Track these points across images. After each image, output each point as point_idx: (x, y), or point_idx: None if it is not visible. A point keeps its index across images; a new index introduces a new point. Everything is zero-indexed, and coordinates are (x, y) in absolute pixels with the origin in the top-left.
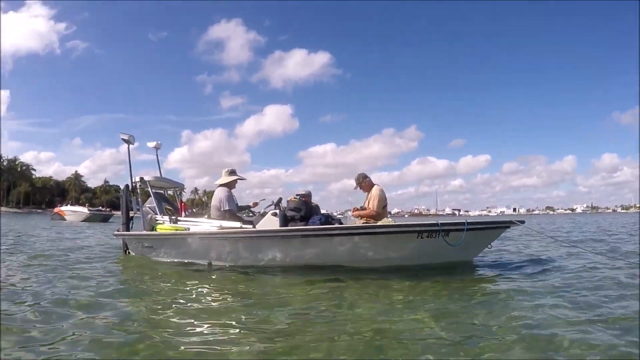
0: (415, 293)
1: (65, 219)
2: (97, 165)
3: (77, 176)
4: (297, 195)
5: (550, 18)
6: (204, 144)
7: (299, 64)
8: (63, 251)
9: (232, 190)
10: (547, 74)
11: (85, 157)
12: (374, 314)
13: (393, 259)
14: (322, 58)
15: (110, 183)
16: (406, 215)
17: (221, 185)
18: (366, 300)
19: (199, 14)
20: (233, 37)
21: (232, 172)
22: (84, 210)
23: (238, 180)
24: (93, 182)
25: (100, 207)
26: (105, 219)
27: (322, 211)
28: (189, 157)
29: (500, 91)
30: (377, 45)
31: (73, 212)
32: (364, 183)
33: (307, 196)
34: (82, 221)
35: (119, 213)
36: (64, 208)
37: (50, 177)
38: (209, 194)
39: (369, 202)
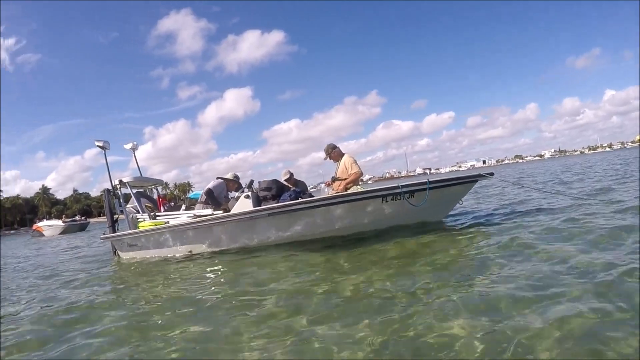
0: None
1: (44, 235)
2: (63, 175)
3: (44, 190)
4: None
5: None
6: (167, 137)
7: (253, 45)
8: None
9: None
10: (500, 28)
11: (50, 169)
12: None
13: (364, 224)
14: (276, 37)
15: (80, 191)
16: (370, 182)
17: (220, 178)
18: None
19: (145, 9)
20: (183, 28)
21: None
22: (59, 223)
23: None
24: (62, 194)
25: (75, 217)
26: (82, 227)
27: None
28: (154, 153)
29: (457, 48)
30: (330, 17)
31: (49, 226)
32: (334, 153)
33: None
34: (60, 234)
35: (95, 220)
36: (40, 224)
37: (18, 195)
38: (180, 187)
39: (346, 170)
